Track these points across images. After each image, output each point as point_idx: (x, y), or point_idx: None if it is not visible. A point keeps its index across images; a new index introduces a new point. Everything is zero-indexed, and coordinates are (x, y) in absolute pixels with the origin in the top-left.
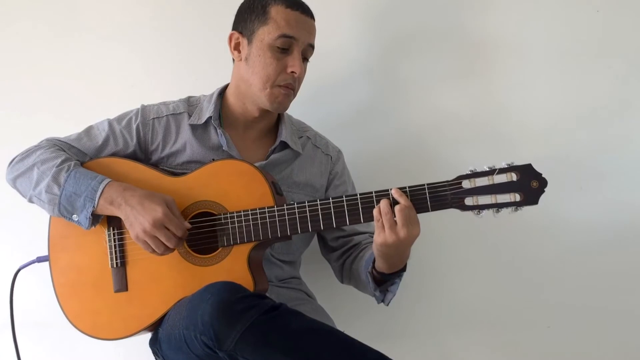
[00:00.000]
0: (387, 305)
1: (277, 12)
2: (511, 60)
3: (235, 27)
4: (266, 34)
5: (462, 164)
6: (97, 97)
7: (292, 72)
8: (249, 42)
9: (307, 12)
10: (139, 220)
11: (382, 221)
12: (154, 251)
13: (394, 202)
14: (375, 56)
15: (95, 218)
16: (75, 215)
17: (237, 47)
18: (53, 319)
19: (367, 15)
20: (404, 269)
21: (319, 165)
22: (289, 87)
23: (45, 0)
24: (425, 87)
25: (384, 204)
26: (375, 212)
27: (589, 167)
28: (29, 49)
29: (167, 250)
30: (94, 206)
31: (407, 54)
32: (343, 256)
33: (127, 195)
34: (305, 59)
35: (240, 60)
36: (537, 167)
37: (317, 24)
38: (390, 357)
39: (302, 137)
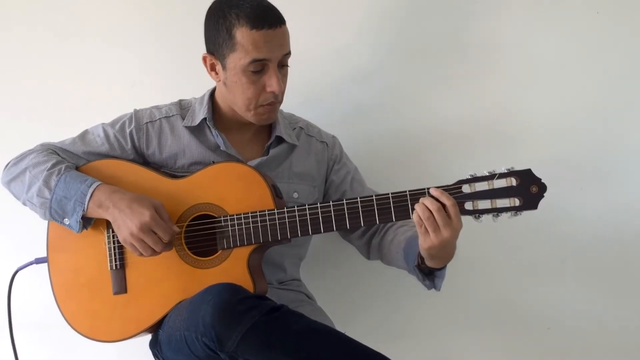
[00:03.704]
0: (439, 290)
1: (242, 36)
2: (511, 61)
3: (207, 47)
4: (237, 60)
5: (463, 165)
6: (97, 100)
7: (272, 91)
8: (223, 67)
9: (273, 25)
10: (126, 223)
11: (424, 226)
12: (141, 254)
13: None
14: (377, 58)
15: (87, 221)
16: (66, 219)
17: (213, 68)
18: (52, 321)
19: (369, 17)
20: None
21: (315, 153)
22: (272, 105)
23: (45, 3)
24: (426, 89)
25: (421, 209)
26: (415, 217)
27: (589, 168)
28: (27, 52)
29: (154, 253)
30: (83, 210)
31: (408, 57)
32: (365, 234)
33: (115, 198)
34: (283, 66)
35: (219, 81)
36: (538, 168)
37: (320, 26)
38: (390, 357)
39: (295, 128)
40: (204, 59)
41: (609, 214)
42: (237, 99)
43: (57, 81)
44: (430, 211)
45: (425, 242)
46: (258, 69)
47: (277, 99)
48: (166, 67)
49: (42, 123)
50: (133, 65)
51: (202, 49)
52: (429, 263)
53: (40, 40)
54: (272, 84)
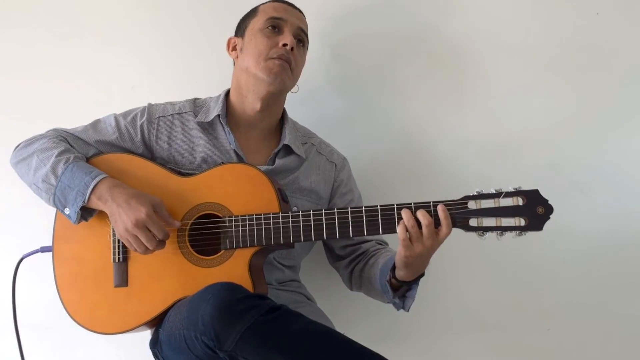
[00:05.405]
0: (408, 311)
1: (264, 7)
2: (511, 63)
3: (235, 34)
4: (256, 22)
5: (463, 169)
6: (98, 100)
7: (284, 44)
8: (242, 36)
9: (292, 5)
10: (122, 218)
11: (409, 235)
12: (135, 250)
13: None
14: (377, 59)
15: (87, 213)
16: (67, 209)
17: (234, 48)
18: (55, 318)
19: (367, 16)
20: (422, 274)
21: (322, 172)
22: (282, 59)
23: (45, 3)
24: (426, 91)
25: (408, 218)
26: (400, 228)
27: (589, 172)
28: (27, 52)
29: (148, 250)
30: (84, 201)
31: (409, 58)
32: (351, 264)
33: (115, 192)
34: (300, 41)
35: (237, 56)
36: (539, 171)
37: (321, 28)
38: (389, 359)
39: (306, 143)
40: (228, 42)
41: (608, 218)
42: (249, 57)
43: (57, 81)
44: (416, 220)
45: (407, 250)
46: (274, 25)
47: (289, 55)
48: (166, 68)
49: (42, 123)
50: (133, 66)
51: (203, 50)
52: (402, 273)
53: (40, 40)
54: (286, 37)
